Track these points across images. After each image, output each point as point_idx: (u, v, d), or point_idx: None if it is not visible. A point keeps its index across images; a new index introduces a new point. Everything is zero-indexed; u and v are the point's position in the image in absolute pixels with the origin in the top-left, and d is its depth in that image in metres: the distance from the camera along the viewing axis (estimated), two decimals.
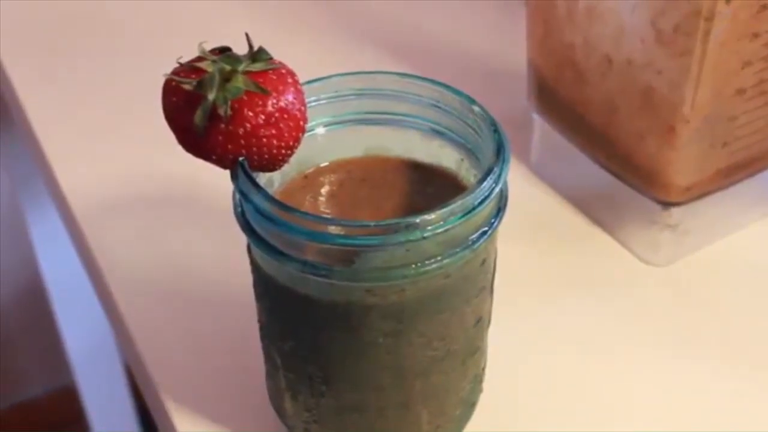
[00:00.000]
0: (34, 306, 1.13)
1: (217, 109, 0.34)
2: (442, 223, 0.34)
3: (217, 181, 0.40)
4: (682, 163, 0.48)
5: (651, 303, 0.50)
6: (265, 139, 0.35)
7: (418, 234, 0.34)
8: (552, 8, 0.50)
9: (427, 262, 0.35)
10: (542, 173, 0.57)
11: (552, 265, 0.52)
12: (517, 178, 0.55)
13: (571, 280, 0.51)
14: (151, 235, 0.54)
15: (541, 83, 0.54)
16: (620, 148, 0.50)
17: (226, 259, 0.48)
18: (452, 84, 0.39)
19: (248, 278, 0.40)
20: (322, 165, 0.41)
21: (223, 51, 0.36)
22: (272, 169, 0.37)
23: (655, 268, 0.52)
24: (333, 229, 0.34)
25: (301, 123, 0.36)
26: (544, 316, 0.49)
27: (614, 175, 0.51)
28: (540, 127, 0.56)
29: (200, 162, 0.36)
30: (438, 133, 0.40)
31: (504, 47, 0.66)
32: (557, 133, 0.54)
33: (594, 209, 0.54)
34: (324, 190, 0.41)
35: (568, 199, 0.55)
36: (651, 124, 0.47)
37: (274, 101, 0.35)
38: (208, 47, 0.36)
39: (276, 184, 0.40)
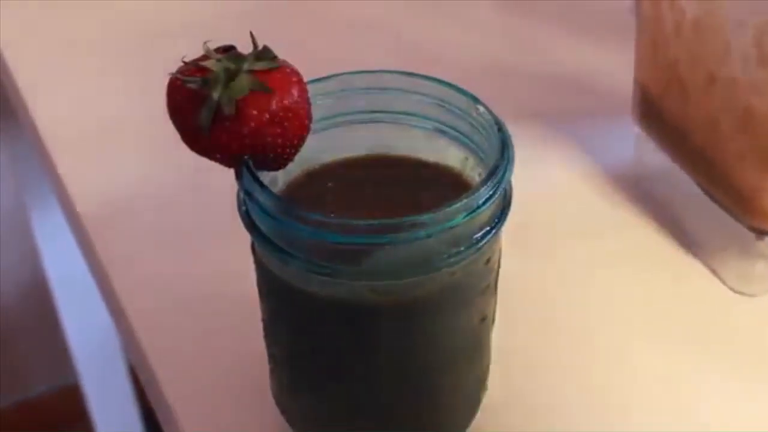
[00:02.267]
0: (38, 304, 1.14)
1: (221, 108, 0.34)
2: (446, 222, 0.34)
3: (222, 179, 0.40)
4: None
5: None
6: (269, 138, 0.35)
7: (422, 233, 0.34)
8: (660, 24, 0.51)
9: (431, 261, 0.35)
10: (645, 189, 0.56)
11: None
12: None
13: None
14: (155, 234, 0.54)
15: (646, 100, 0.54)
16: (719, 170, 0.49)
17: (230, 258, 0.48)
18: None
19: (252, 276, 0.40)
20: (327, 163, 0.41)
21: (228, 50, 0.36)
22: (277, 168, 0.37)
23: (745, 298, 0.51)
24: (337, 228, 0.34)
25: (306, 122, 0.36)
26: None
27: (712, 199, 0.51)
28: (641, 144, 0.56)
29: (204, 161, 0.36)
30: (442, 132, 0.40)
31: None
32: (658, 152, 0.54)
33: (688, 232, 0.53)
34: (328, 189, 0.40)
35: (663, 219, 0.55)
36: (751, 145, 0.47)
37: (279, 100, 0.35)
38: (213, 46, 0.36)
39: (280, 183, 0.40)
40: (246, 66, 0.35)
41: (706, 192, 0.51)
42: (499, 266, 0.39)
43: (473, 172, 0.39)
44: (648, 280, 0.52)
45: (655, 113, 0.53)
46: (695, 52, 0.48)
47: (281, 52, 0.36)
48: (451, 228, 0.34)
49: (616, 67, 0.62)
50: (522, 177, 0.56)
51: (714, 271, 0.52)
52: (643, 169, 0.56)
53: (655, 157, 0.54)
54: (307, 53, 0.42)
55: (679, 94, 0.50)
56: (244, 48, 0.36)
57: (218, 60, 0.35)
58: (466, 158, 0.40)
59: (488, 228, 0.36)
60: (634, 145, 0.57)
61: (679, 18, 0.49)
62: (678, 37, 0.49)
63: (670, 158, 0.53)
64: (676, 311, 0.50)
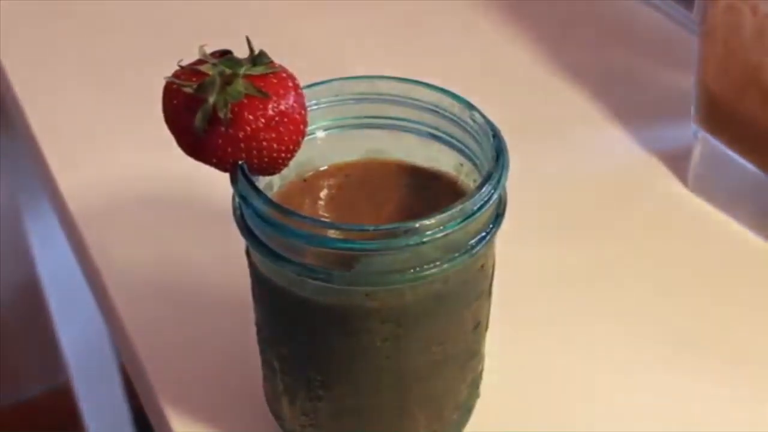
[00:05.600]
0: (30, 306, 1.13)
1: (217, 113, 0.34)
2: (441, 227, 0.34)
3: (216, 183, 0.40)
4: None
5: None
6: (265, 143, 0.35)
7: (417, 239, 0.34)
8: (736, 29, 0.51)
9: (426, 266, 0.35)
10: (702, 192, 0.57)
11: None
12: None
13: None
14: (149, 237, 0.54)
15: (714, 103, 0.54)
16: None
17: (224, 262, 0.48)
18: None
19: (246, 281, 0.40)
20: (322, 168, 0.41)
21: (224, 54, 0.36)
22: (272, 173, 0.37)
23: None
24: (332, 233, 0.34)
25: (302, 127, 0.36)
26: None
27: None
28: (704, 146, 0.56)
29: (199, 165, 0.36)
30: (437, 138, 0.40)
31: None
32: (725, 153, 0.54)
33: (764, 229, 0.54)
34: (323, 194, 0.41)
35: (732, 216, 0.55)
36: None
37: (275, 105, 0.35)
38: (209, 50, 0.36)
39: (275, 188, 0.40)
40: (242, 70, 0.35)
41: None
42: (493, 272, 0.40)
43: (468, 179, 0.40)
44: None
45: (725, 116, 0.54)
46: None
47: (277, 57, 0.36)
48: (446, 234, 0.34)
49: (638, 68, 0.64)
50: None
51: None
52: (705, 170, 0.57)
53: (720, 157, 0.55)
54: (303, 58, 0.42)
55: (759, 97, 0.51)
56: (240, 53, 0.36)
57: (214, 64, 0.35)
58: (461, 164, 0.40)
59: (483, 234, 0.36)
60: (695, 145, 0.57)
61: (763, 22, 0.49)
62: (761, 43, 0.50)
63: (742, 157, 0.54)
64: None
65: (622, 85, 0.65)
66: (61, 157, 0.59)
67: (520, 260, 0.49)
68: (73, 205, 0.56)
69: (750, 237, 0.54)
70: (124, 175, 0.58)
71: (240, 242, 0.38)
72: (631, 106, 0.63)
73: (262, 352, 0.41)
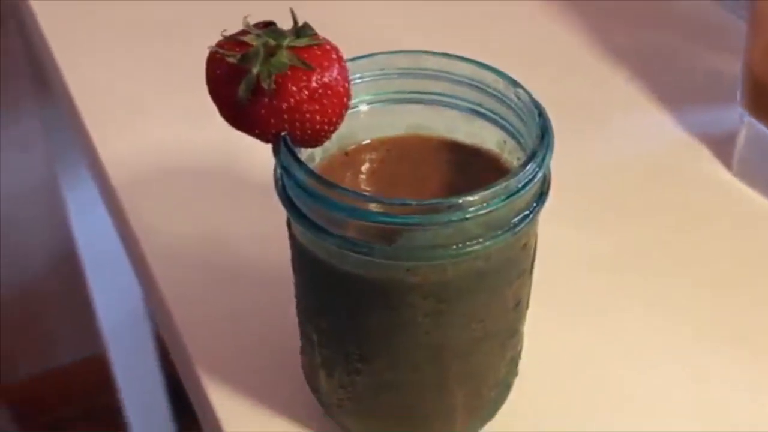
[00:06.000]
0: (68, 274, 1.14)
1: (260, 83, 0.34)
2: (484, 204, 0.34)
3: (257, 155, 0.40)
4: None
5: None
6: (308, 115, 0.35)
7: (460, 214, 0.34)
8: None
9: (468, 243, 0.34)
10: (746, 177, 0.56)
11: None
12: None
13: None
14: (188, 207, 0.54)
15: (761, 87, 0.54)
16: None
17: (264, 233, 0.48)
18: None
19: (286, 253, 0.40)
20: (364, 142, 0.41)
21: (268, 25, 0.36)
22: (314, 145, 0.37)
23: None
24: (374, 207, 0.34)
25: (345, 99, 0.36)
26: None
27: None
28: (750, 131, 0.56)
29: (241, 136, 0.36)
30: (480, 114, 0.40)
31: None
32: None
33: None
34: (364, 168, 0.40)
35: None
36: None
37: (318, 77, 0.35)
38: (252, 21, 0.36)
39: (317, 160, 0.40)
40: (286, 42, 0.35)
41: None
42: (535, 251, 0.39)
43: (512, 156, 0.39)
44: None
45: None
46: None
47: (321, 30, 0.36)
48: (489, 211, 0.34)
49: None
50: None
51: None
52: (750, 155, 0.56)
53: (765, 142, 0.54)
54: (347, 31, 0.42)
55: None
56: (285, 24, 0.36)
57: (258, 35, 0.35)
58: (505, 142, 0.39)
59: (526, 212, 0.36)
60: (740, 129, 0.56)
61: None
62: None
63: None
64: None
65: (666, 68, 0.65)
66: (102, 126, 0.60)
67: (559, 242, 0.49)
68: (113, 173, 0.56)
69: None
70: (166, 145, 0.58)
71: (280, 214, 0.38)
72: (675, 90, 0.62)
73: (301, 324, 0.41)
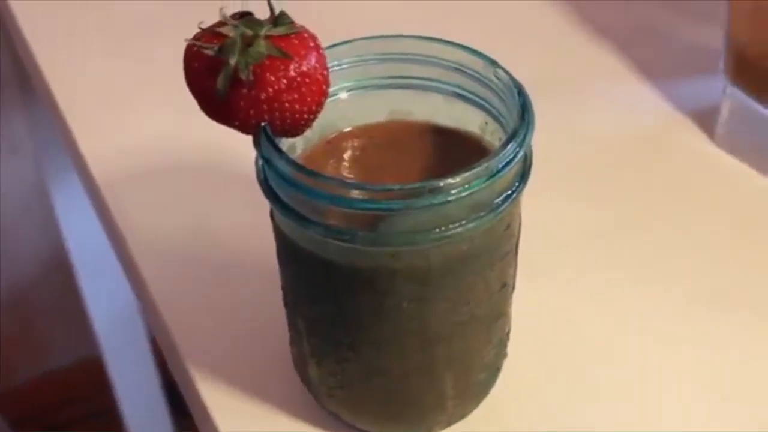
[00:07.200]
0: (60, 277, 1.14)
1: (239, 75, 0.34)
2: (466, 186, 0.34)
3: (240, 147, 0.40)
4: None
5: None
6: (287, 104, 0.35)
7: (442, 197, 0.33)
8: None
9: (451, 226, 0.34)
10: (729, 147, 0.56)
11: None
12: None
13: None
14: (173, 203, 0.54)
15: (743, 58, 0.54)
16: None
17: (250, 226, 0.48)
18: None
19: (271, 245, 0.40)
20: (345, 130, 0.41)
21: (244, 15, 0.35)
22: (295, 135, 0.36)
23: None
24: (356, 194, 0.34)
25: (324, 87, 0.36)
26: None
27: None
28: (733, 101, 0.56)
29: (223, 128, 0.36)
30: (461, 97, 0.40)
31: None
32: (754, 108, 0.54)
33: None
34: (347, 155, 0.40)
35: (761, 172, 0.55)
36: None
37: (297, 66, 0.35)
38: (229, 12, 0.35)
39: (299, 150, 0.40)
40: (263, 31, 0.35)
41: None
42: (519, 232, 0.39)
43: (494, 138, 0.39)
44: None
45: (753, 70, 0.54)
46: None
47: (297, 18, 0.36)
48: (471, 193, 0.34)
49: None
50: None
51: None
52: (733, 125, 0.56)
53: (747, 112, 0.55)
54: (324, 19, 0.42)
55: None
56: (261, 14, 0.35)
57: (235, 26, 0.35)
58: (486, 123, 0.39)
59: (508, 192, 0.36)
60: (723, 100, 0.56)
61: None
62: None
63: None
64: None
65: (649, 41, 0.65)
66: (84, 125, 0.59)
67: (544, 219, 0.49)
68: (97, 172, 0.56)
69: None
70: (150, 142, 0.58)
71: (265, 206, 0.38)
72: (658, 62, 0.62)
73: (289, 315, 0.41)
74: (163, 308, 0.48)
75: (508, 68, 0.38)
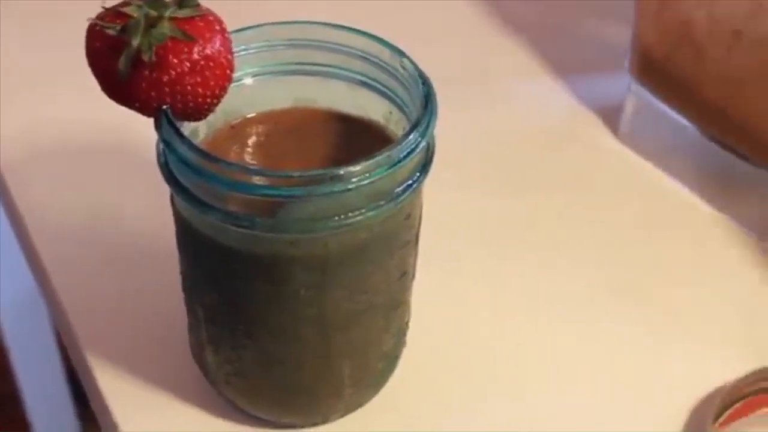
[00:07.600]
0: None
1: (141, 56, 0.34)
2: (367, 175, 0.34)
3: (144, 129, 0.39)
4: None
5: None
6: (189, 87, 0.35)
7: (342, 185, 0.33)
8: None
9: (350, 214, 0.34)
10: (632, 144, 0.57)
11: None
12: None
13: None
14: (75, 185, 0.53)
15: (648, 57, 0.55)
16: (740, 123, 0.51)
17: (152, 211, 0.47)
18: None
19: (172, 229, 0.40)
20: (250, 116, 0.40)
21: None
22: (197, 118, 0.36)
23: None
24: (256, 180, 0.34)
25: (228, 72, 0.35)
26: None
27: (727, 149, 0.52)
28: (637, 99, 0.56)
29: (126, 110, 0.36)
30: (366, 85, 0.40)
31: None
32: (657, 106, 0.55)
33: (697, 181, 0.55)
34: (251, 141, 0.40)
35: (662, 169, 0.56)
36: None
37: (200, 49, 0.34)
38: None
39: (202, 135, 0.39)
40: (168, 13, 0.34)
41: (720, 143, 0.53)
42: (420, 222, 0.39)
43: (397, 127, 0.39)
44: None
45: (658, 70, 0.54)
46: (715, 12, 0.49)
47: (205, 2, 0.35)
48: (372, 182, 0.34)
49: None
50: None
51: (733, 217, 0.53)
52: (638, 121, 0.57)
53: (652, 110, 0.56)
54: (231, 3, 0.42)
55: (691, 52, 0.52)
56: None
57: (139, 6, 0.34)
58: (391, 112, 0.39)
59: (409, 182, 0.36)
60: (627, 98, 0.57)
61: None
62: None
63: (675, 111, 0.54)
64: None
65: (559, 38, 0.65)
66: None
67: (448, 210, 0.49)
68: None
69: (679, 189, 0.55)
70: (50, 122, 0.57)
71: (167, 191, 0.37)
72: (568, 59, 0.63)
73: (187, 301, 0.41)
74: (62, 293, 0.48)
75: (420, 63, 0.38)
